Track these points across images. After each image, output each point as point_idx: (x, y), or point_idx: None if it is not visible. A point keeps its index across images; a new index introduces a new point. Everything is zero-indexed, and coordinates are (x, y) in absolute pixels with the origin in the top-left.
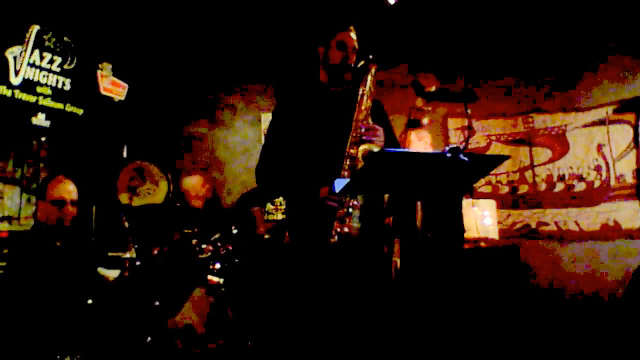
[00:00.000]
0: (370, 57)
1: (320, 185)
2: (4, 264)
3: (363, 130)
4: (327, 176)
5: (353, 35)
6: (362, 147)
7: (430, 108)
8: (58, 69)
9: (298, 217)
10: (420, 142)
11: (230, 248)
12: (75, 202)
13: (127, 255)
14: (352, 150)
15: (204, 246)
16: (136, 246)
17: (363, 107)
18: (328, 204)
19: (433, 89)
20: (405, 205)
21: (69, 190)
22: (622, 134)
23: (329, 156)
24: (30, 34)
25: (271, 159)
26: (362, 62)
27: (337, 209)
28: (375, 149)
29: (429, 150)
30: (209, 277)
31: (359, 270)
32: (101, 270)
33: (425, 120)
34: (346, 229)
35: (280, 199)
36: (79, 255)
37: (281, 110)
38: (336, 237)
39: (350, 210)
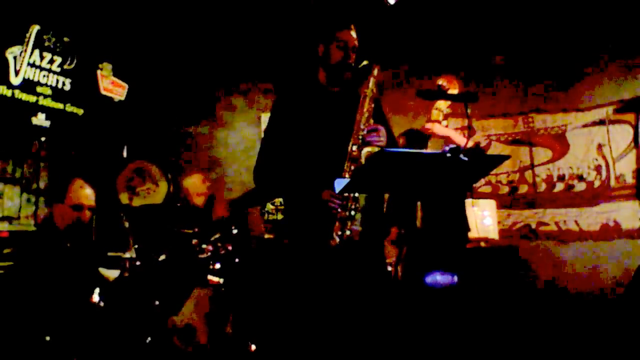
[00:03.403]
0: (372, 57)
1: (321, 187)
2: (10, 263)
3: (365, 132)
4: (328, 177)
5: (353, 34)
6: (365, 150)
7: (450, 110)
8: (58, 69)
9: (298, 219)
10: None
11: (230, 248)
12: (92, 208)
13: (127, 255)
14: (354, 152)
15: (204, 246)
16: (136, 246)
17: (365, 109)
18: (329, 206)
19: (456, 91)
20: (405, 206)
21: (87, 195)
22: (622, 134)
23: (329, 157)
24: (30, 34)
25: (270, 159)
26: (364, 63)
27: (338, 212)
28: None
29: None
30: (209, 277)
31: (360, 272)
32: (101, 270)
33: (445, 122)
34: (348, 232)
35: (281, 199)
36: (82, 255)
37: (280, 110)
38: (337, 240)
39: (352, 212)
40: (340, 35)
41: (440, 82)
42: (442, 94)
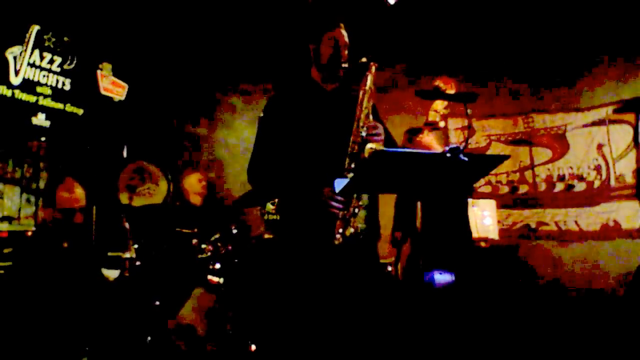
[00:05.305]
0: (370, 55)
1: (320, 185)
2: (9, 263)
3: (365, 129)
4: (328, 176)
5: (343, 32)
6: (368, 147)
7: (448, 111)
8: (58, 69)
9: (297, 219)
10: (436, 144)
11: (230, 248)
12: (84, 209)
13: (127, 255)
14: (354, 150)
15: (204, 246)
16: (136, 246)
17: (364, 106)
18: (330, 204)
19: (453, 92)
20: (406, 206)
21: (77, 197)
22: (622, 134)
23: (329, 156)
24: (30, 34)
25: (263, 158)
26: (363, 60)
27: (340, 210)
28: (380, 148)
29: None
30: (209, 277)
31: (364, 271)
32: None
33: (442, 123)
34: (351, 230)
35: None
36: (82, 255)
37: (273, 108)
38: (340, 238)
39: (356, 210)
40: (330, 34)
41: (437, 83)
42: (440, 94)
